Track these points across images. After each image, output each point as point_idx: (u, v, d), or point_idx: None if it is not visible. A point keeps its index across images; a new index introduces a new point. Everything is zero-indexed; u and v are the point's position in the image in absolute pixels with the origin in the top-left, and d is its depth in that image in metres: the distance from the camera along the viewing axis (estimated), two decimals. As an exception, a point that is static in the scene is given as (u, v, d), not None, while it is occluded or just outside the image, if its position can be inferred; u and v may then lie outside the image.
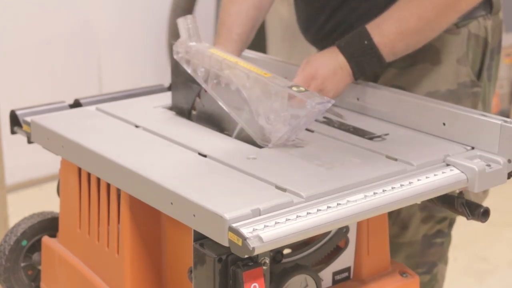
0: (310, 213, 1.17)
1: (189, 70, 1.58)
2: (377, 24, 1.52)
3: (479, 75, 1.70)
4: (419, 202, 1.33)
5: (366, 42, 1.51)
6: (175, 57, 1.59)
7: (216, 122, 1.58)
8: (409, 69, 1.66)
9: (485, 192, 1.75)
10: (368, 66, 1.54)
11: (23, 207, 2.39)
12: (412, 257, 1.79)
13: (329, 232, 1.40)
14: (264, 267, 1.21)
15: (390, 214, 1.73)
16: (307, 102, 1.38)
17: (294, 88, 1.41)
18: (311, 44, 1.84)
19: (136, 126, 1.56)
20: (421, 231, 1.77)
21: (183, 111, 1.64)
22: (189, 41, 1.57)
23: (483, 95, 1.71)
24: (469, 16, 1.63)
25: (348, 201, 1.22)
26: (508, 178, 1.39)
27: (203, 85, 1.55)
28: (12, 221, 2.26)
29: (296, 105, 1.40)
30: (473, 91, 1.68)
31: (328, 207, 1.20)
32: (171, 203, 1.24)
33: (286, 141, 1.43)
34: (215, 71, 1.51)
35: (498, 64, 1.75)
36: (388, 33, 1.51)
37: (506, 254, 3.12)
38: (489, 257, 3.10)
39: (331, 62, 1.54)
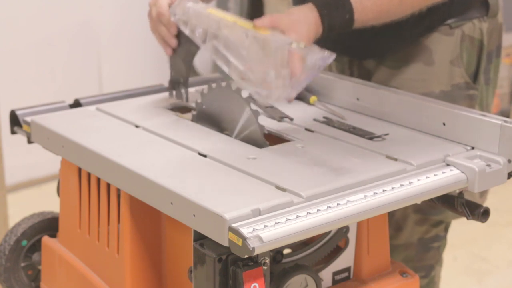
0: (310, 213, 1.18)
1: (186, 32, 1.56)
2: None
3: (475, 77, 1.69)
4: (419, 202, 1.33)
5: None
6: (172, 19, 1.57)
7: (216, 122, 1.58)
8: (402, 69, 1.67)
9: (482, 197, 1.75)
10: (338, 18, 1.45)
11: (23, 207, 2.39)
12: (410, 261, 1.79)
13: (329, 232, 1.40)
14: (264, 267, 1.21)
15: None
16: (308, 57, 1.36)
17: (294, 45, 1.39)
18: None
19: (136, 126, 1.56)
20: (416, 233, 1.78)
21: (179, 82, 1.63)
22: (186, 2, 1.56)
23: (480, 99, 1.70)
24: (463, 17, 1.64)
25: (348, 201, 1.22)
26: (508, 178, 1.39)
27: (201, 46, 1.54)
28: (12, 221, 2.26)
29: (296, 61, 1.37)
30: (468, 94, 1.67)
31: (328, 207, 1.20)
32: (171, 203, 1.24)
33: (286, 99, 1.40)
34: (213, 31, 1.49)
35: (497, 68, 1.74)
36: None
37: (506, 254, 3.12)
38: (489, 257, 3.10)
39: (301, 8, 1.48)
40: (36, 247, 1.72)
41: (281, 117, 1.61)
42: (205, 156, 1.40)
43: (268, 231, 1.12)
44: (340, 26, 1.47)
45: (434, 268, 1.85)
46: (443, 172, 1.34)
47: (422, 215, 1.74)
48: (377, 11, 1.48)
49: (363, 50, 1.73)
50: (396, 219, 1.75)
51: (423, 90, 1.65)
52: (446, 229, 1.83)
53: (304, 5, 1.48)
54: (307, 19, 1.44)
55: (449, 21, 1.63)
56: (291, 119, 1.60)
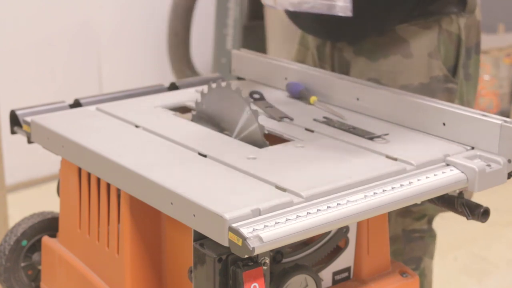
0: (310, 213, 1.18)
1: None
2: None
3: (454, 71, 1.72)
4: (419, 202, 1.33)
5: None
6: None
7: (216, 122, 1.58)
8: (381, 61, 1.69)
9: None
10: None
11: (23, 207, 2.39)
12: (399, 254, 1.81)
13: (329, 232, 1.40)
14: (264, 267, 1.21)
15: None
16: None
17: None
18: (299, 27, 1.87)
19: (136, 126, 1.56)
20: (399, 225, 1.79)
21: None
22: None
23: (460, 93, 1.73)
24: (440, 11, 1.67)
25: (348, 201, 1.22)
26: (508, 178, 1.39)
27: None
28: (12, 221, 2.26)
29: None
30: (447, 87, 1.70)
31: (328, 207, 1.20)
32: (171, 203, 1.24)
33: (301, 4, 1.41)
34: None
35: (477, 65, 1.77)
36: None
37: (506, 254, 3.12)
38: (489, 257, 3.10)
39: None
40: (36, 247, 1.72)
41: (281, 117, 1.61)
42: (205, 156, 1.40)
43: (268, 231, 1.12)
44: None
45: (423, 259, 1.86)
46: (443, 172, 1.34)
47: (404, 208, 1.76)
48: None
49: (339, 31, 1.74)
50: None
51: (401, 82, 1.68)
52: (429, 222, 1.84)
53: None
54: None
55: (427, 16, 1.66)
56: (291, 119, 1.60)
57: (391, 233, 1.78)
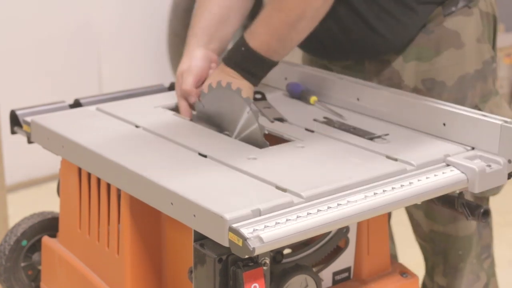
0: (310, 213, 1.17)
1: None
2: (250, 30, 1.58)
3: (493, 50, 1.75)
4: (419, 203, 1.32)
5: (243, 48, 1.56)
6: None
7: (216, 122, 1.58)
8: (436, 59, 1.67)
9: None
10: (256, 69, 1.57)
11: (23, 207, 2.39)
12: (478, 244, 1.82)
13: (329, 232, 1.40)
14: (265, 268, 1.21)
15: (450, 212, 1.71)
16: None
17: None
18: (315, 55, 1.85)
19: (136, 126, 1.56)
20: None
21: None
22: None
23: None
24: None
25: (348, 201, 1.22)
26: (509, 178, 1.39)
27: None
28: (12, 221, 2.26)
29: None
30: (493, 68, 1.72)
31: (329, 207, 1.20)
32: (171, 203, 1.24)
33: None
34: None
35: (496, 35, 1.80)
36: (259, 34, 1.56)
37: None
38: (489, 257, 3.09)
39: (223, 76, 1.58)
40: (36, 247, 1.72)
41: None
42: (205, 156, 1.40)
43: (268, 232, 1.12)
44: (262, 72, 1.59)
45: (490, 247, 1.90)
46: (443, 173, 1.34)
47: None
48: (288, 41, 1.57)
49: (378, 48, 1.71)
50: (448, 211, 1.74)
51: (459, 73, 1.67)
52: (487, 202, 1.83)
53: (227, 74, 1.58)
54: (242, 85, 1.55)
55: (465, 2, 1.67)
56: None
57: (473, 228, 1.78)
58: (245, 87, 1.56)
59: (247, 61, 1.57)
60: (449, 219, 1.77)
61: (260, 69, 1.58)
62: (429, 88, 1.66)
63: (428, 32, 1.66)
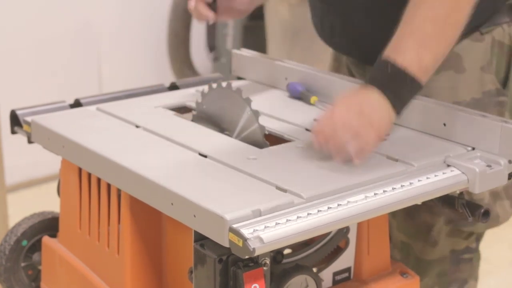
0: (310, 213, 1.17)
1: None
2: (393, 46, 1.37)
3: (504, 83, 1.64)
4: (419, 203, 1.32)
5: (389, 68, 1.35)
6: None
7: (216, 122, 1.57)
8: (433, 77, 1.54)
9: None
10: (404, 91, 1.36)
11: (23, 207, 2.39)
12: (443, 275, 1.74)
13: (330, 232, 1.40)
14: (265, 268, 1.21)
15: (418, 230, 1.69)
16: None
17: None
18: (323, 41, 1.79)
19: (137, 126, 1.56)
20: (448, 245, 1.72)
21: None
22: None
23: (510, 105, 1.65)
24: (493, 22, 1.59)
25: (348, 201, 1.22)
26: (509, 179, 1.39)
27: None
28: (12, 221, 2.26)
29: None
30: (499, 100, 1.62)
31: (329, 207, 1.20)
32: (172, 204, 1.24)
33: None
34: None
35: None
36: (407, 49, 1.35)
37: (506, 254, 3.12)
38: (490, 257, 3.09)
39: (371, 96, 1.35)
40: (36, 247, 1.71)
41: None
42: (205, 156, 1.40)
43: (268, 232, 1.12)
44: (410, 96, 1.39)
45: (468, 282, 1.79)
46: (443, 173, 1.34)
47: (453, 226, 1.70)
48: (439, 57, 1.39)
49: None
50: (432, 235, 1.69)
51: (454, 98, 1.59)
52: (477, 240, 1.78)
53: (373, 95, 1.35)
54: (387, 114, 1.35)
55: (480, 28, 1.58)
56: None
57: (440, 254, 1.72)
58: (385, 119, 1.36)
59: (395, 82, 1.34)
60: (417, 238, 1.72)
61: (409, 91, 1.36)
62: None
63: None
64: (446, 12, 1.37)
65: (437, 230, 1.71)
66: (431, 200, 1.39)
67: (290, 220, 1.15)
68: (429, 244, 1.72)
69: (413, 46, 1.35)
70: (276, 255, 1.32)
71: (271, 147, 1.45)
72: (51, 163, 2.08)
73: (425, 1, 1.37)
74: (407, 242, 1.74)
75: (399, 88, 1.35)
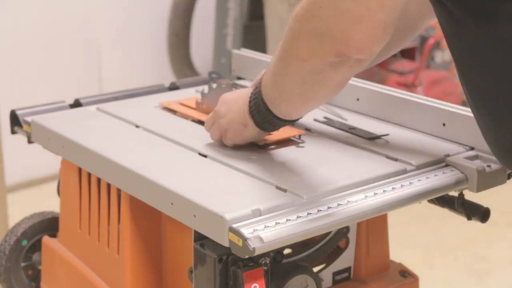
0: (310, 213, 1.17)
1: None
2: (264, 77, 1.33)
3: None
4: (419, 203, 1.33)
5: (260, 100, 1.32)
6: None
7: (216, 122, 1.57)
8: None
9: None
10: (261, 119, 1.33)
11: (23, 207, 2.39)
12: None
13: (329, 232, 1.40)
14: (265, 268, 1.21)
15: None
16: None
17: None
18: None
19: (137, 126, 1.56)
20: None
21: None
22: None
23: None
24: None
25: (348, 201, 1.22)
26: (508, 178, 1.39)
27: None
28: (12, 221, 2.26)
29: None
30: None
31: (329, 207, 1.20)
32: (172, 203, 1.24)
33: None
34: None
35: None
36: (265, 81, 1.31)
37: (506, 254, 3.12)
38: (489, 257, 3.10)
39: (239, 96, 1.38)
40: (36, 247, 1.72)
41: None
42: (205, 156, 1.40)
43: (268, 232, 1.12)
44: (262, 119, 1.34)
45: None
46: (443, 173, 1.34)
47: None
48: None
49: None
50: None
51: None
52: None
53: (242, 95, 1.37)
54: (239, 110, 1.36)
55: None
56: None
57: None
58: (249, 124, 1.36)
59: (258, 108, 1.33)
60: None
61: (265, 120, 1.34)
62: None
63: None
64: (284, 50, 1.28)
65: None
66: (431, 200, 1.39)
67: (290, 220, 1.15)
68: None
69: (267, 79, 1.30)
70: (276, 255, 1.32)
71: (271, 147, 1.45)
72: (51, 163, 2.09)
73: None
74: None
75: (260, 114, 1.33)
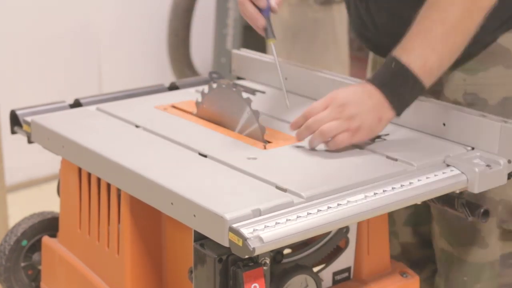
0: (310, 213, 1.17)
1: None
2: (401, 45, 1.39)
3: None
4: (419, 203, 1.33)
5: (393, 64, 1.37)
6: None
7: (217, 122, 1.57)
8: (481, 74, 1.55)
9: None
10: (404, 90, 1.37)
11: (23, 207, 2.39)
12: (494, 278, 1.65)
13: (329, 232, 1.40)
14: (265, 268, 1.21)
15: (471, 234, 1.61)
16: None
17: None
18: (364, 42, 1.75)
19: (136, 126, 1.56)
20: (499, 249, 1.64)
21: None
22: None
23: None
24: None
25: (348, 201, 1.22)
26: (508, 178, 1.39)
27: None
28: (12, 221, 2.26)
29: None
30: None
31: (329, 207, 1.20)
32: (172, 203, 1.24)
33: None
34: None
35: None
36: (413, 47, 1.37)
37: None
38: (489, 257, 3.09)
39: (357, 89, 1.40)
40: (36, 247, 1.71)
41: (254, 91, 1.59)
42: (205, 156, 1.40)
43: (268, 232, 1.12)
44: (410, 96, 1.40)
45: None
46: (443, 173, 1.34)
47: (505, 229, 1.62)
48: (445, 61, 1.39)
49: None
50: (482, 236, 1.62)
51: (504, 94, 1.55)
52: None
53: (361, 87, 1.39)
54: (378, 111, 1.38)
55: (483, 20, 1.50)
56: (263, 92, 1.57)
57: (492, 258, 1.63)
58: (384, 118, 1.39)
59: (395, 79, 1.36)
60: (463, 242, 1.65)
61: (409, 91, 1.37)
62: (470, 103, 1.56)
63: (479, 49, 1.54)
64: (457, 17, 1.37)
65: (488, 232, 1.62)
66: (431, 200, 1.39)
67: (290, 219, 1.15)
68: (478, 246, 1.64)
69: (420, 45, 1.37)
70: (276, 255, 1.32)
71: (271, 147, 1.45)
72: (51, 163, 2.09)
73: (438, 4, 1.38)
74: (448, 250, 1.66)
75: (399, 86, 1.37)
